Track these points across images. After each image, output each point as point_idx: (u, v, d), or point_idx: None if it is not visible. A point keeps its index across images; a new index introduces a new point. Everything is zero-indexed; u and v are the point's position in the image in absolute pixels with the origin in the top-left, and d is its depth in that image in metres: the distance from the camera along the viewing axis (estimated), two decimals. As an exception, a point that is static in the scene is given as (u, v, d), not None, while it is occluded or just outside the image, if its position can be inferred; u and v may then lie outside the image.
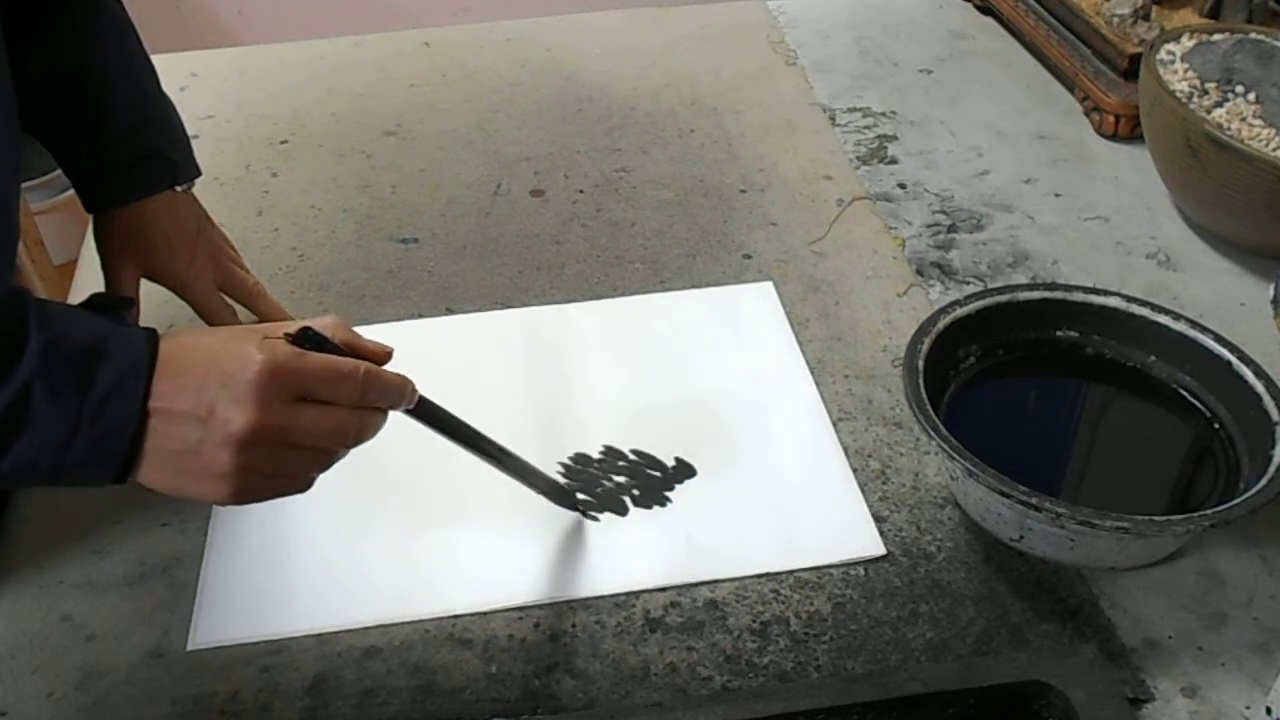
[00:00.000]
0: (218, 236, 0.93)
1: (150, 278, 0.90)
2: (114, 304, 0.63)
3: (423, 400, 0.68)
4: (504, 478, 0.85)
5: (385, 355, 0.66)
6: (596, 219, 1.10)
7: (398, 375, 0.66)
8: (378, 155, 1.18)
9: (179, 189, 0.88)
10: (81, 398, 0.57)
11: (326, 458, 0.64)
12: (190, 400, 0.59)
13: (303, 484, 0.64)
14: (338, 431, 0.63)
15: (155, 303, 0.92)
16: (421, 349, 0.95)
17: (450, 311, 0.99)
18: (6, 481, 0.59)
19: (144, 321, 0.90)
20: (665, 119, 1.23)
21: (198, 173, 0.89)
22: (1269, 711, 0.67)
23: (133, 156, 0.85)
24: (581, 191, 1.13)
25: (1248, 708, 0.71)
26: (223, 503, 0.62)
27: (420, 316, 0.99)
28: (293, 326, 0.62)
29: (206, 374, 0.59)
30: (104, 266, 0.89)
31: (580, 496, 0.83)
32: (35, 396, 0.56)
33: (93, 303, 0.63)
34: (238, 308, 0.93)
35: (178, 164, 0.88)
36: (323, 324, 0.64)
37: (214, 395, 0.59)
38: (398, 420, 0.89)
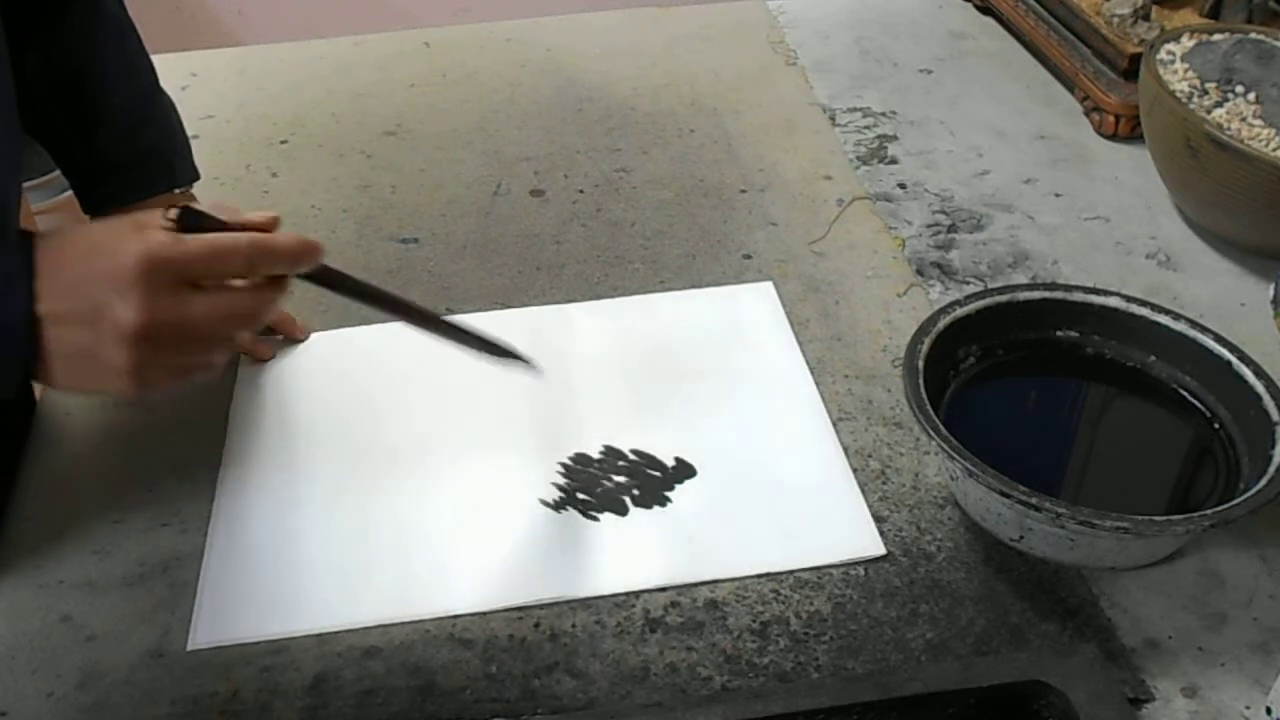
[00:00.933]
0: None
1: None
2: None
3: (325, 266, 0.65)
4: (504, 478, 0.85)
5: (271, 223, 0.64)
6: (596, 219, 1.10)
7: (291, 237, 0.63)
8: (378, 155, 1.18)
9: (177, 191, 0.88)
10: None
11: (228, 341, 0.62)
12: (74, 300, 0.58)
13: (209, 369, 0.62)
14: (233, 315, 0.61)
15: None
16: (421, 349, 0.95)
17: (450, 311, 0.99)
18: None
19: None
20: (665, 119, 1.23)
21: (196, 176, 0.89)
22: (1269, 711, 0.67)
23: (131, 158, 0.85)
24: (581, 191, 1.13)
25: (1248, 708, 0.71)
26: (132, 397, 0.60)
27: (420, 316, 0.99)
28: (171, 211, 0.60)
29: (87, 271, 0.58)
30: None
31: (580, 496, 0.83)
32: None
33: None
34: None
35: (175, 166, 0.88)
36: (203, 206, 0.61)
37: (96, 294, 0.57)
38: (397, 421, 0.90)
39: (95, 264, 0.58)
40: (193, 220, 0.60)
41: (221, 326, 0.61)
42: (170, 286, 0.58)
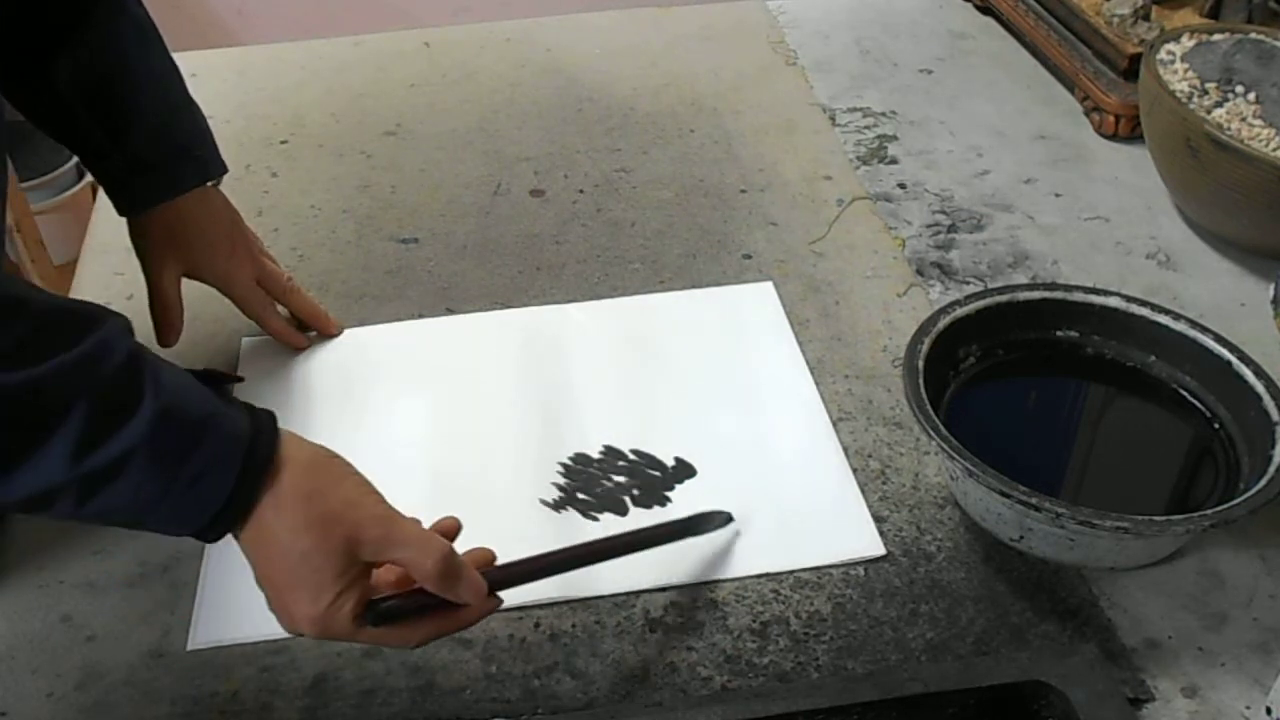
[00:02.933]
0: (249, 231, 0.93)
1: (191, 275, 0.90)
2: (218, 378, 0.64)
3: (503, 575, 0.68)
4: (504, 478, 0.85)
5: (473, 604, 0.66)
6: (596, 219, 1.10)
7: (463, 619, 0.67)
8: (378, 155, 1.18)
9: (210, 184, 0.89)
10: (179, 467, 0.59)
11: None
12: (261, 578, 0.64)
13: None
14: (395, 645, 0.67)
15: (195, 302, 0.92)
16: (421, 349, 0.96)
17: (450, 311, 0.99)
18: (85, 521, 0.61)
19: (186, 319, 0.91)
20: (665, 119, 1.23)
21: (225, 169, 0.90)
22: (1269, 711, 0.67)
23: (164, 155, 0.86)
24: (581, 191, 1.13)
25: (1248, 708, 0.71)
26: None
27: (420, 316, 0.99)
28: (389, 554, 0.63)
29: (276, 586, 0.63)
30: (144, 269, 0.89)
31: (580, 496, 0.83)
32: (135, 461, 0.58)
33: (198, 374, 0.65)
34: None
35: (207, 159, 0.89)
36: (422, 572, 0.63)
37: (273, 600, 0.64)
38: (398, 421, 0.90)
39: (283, 595, 0.63)
40: (384, 617, 0.64)
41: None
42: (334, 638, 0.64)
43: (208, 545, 0.79)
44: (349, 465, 0.66)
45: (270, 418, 0.64)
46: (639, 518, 0.82)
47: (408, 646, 0.67)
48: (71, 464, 0.56)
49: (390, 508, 0.65)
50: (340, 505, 0.63)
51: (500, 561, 0.79)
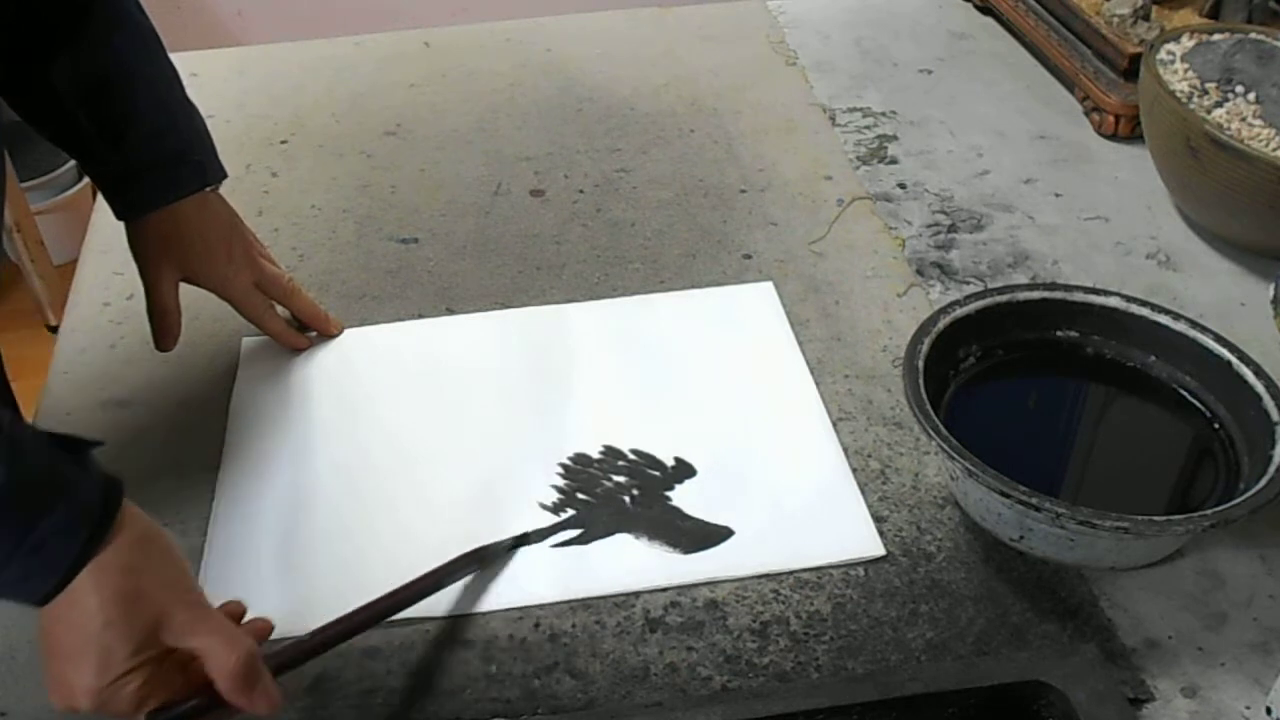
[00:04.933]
0: (248, 234, 0.93)
1: (190, 280, 0.90)
2: (81, 444, 0.64)
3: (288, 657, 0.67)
4: (504, 478, 0.85)
5: (264, 715, 0.64)
6: (596, 219, 1.10)
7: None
8: (378, 155, 1.18)
9: (209, 189, 0.88)
10: (22, 538, 0.58)
11: None
12: (46, 647, 0.62)
13: None
14: None
15: (195, 301, 0.92)
16: (421, 349, 0.96)
17: (450, 311, 0.99)
18: None
19: (186, 318, 0.91)
20: (665, 119, 1.23)
21: (224, 174, 0.90)
22: (1269, 711, 0.67)
23: (161, 160, 0.85)
24: (581, 191, 1.13)
25: (1248, 708, 0.71)
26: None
27: (420, 316, 0.99)
28: (188, 639, 0.62)
29: (60, 656, 0.61)
30: (142, 274, 0.89)
31: (581, 497, 0.83)
32: None
33: (61, 440, 0.63)
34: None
35: (206, 164, 0.88)
36: (217, 667, 0.62)
37: (52, 671, 0.62)
38: (397, 422, 0.90)
39: (64, 666, 0.61)
40: None
41: None
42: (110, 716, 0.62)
43: (208, 543, 0.80)
44: (176, 547, 0.65)
45: (119, 490, 0.62)
46: (639, 518, 0.82)
47: None
48: None
49: (205, 600, 0.64)
50: (156, 585, 0.62)
51: (496, 568, 0.79)
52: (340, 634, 0.69)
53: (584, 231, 1.08)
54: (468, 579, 0.77)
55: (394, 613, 0.72)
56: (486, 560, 0.78)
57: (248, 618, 0.70)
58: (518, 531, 0.81)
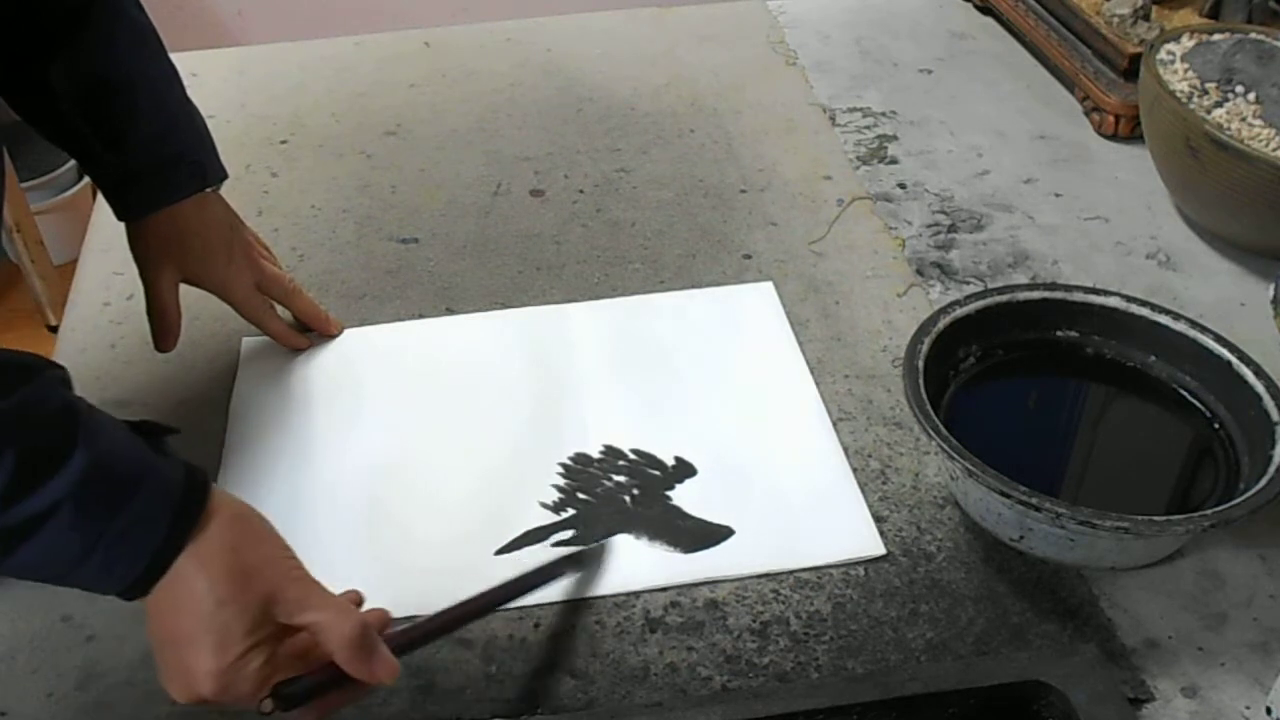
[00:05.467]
0: (249, 235, 0.93)
1: (189, 281, 0.90)
2: (157, 430, 0.63)
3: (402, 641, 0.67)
4: (504, 478, 0.85)
5: (387, 683, 0.64)
6: (596, 219, 1.10)
7: (357, 696, 0.65)
8: (378, 155, 1.18)
9: (209, 191, 0.88)
10: (107, 521, 0.58)
11: None
12: (159, 636, 0.61)
13: None
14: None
15: (195, 301, 0.92)
16: (421, 349, 0.96)
17: (450, 311, 0.99)
18: (8, 575, 0.60)
19: (186, 318, 0.91)
20: (665, 119, 1.23)
21: (225, 174, 0.90)
22: (1269, 711, 0.67)
23: (161, 162, 0.85)
24: (581, 191, 1.13)
25: (1248, 708, 0.71)
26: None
27: (420, 316, 0.99)
28: (301, 616, 0.62)
29: (178, 642, 0.60)
30: (141, 274, 0.89)
31: (581, 496, 0.83)
32: (61, 514, 0.57)
33: (137, 426, 0.63)
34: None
35: (206, 166, 0.88)
36: (334, 639, 0.61)
37: (169, 660, 0.61)
38: (397, 422, 0.90)
39: (185, 651, 0.60)
40: (290, 705, 0.62)
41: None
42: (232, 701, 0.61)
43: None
44: (272, 526, 0.65)
45: (203, 474, 0.63)
46: (639, 518, 0.82)
47: None
48: None
49: (309, 574, 0.64)
50: (262, 561, 0.62)
51: (498, 566, 0.79)
52: (454, 620, 0.70)
53: (584, 231, 1.08)
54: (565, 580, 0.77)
55: (501, 604, 0.72)
56: (584, 564, 0.78)
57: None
58: (520, 530, 0.81)
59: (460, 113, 1.24)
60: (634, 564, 0.79)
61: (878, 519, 0.82)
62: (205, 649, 0.59)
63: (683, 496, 0.83)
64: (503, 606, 0.73)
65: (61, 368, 0.60)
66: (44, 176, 2.12)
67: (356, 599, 0.68)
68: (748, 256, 1.05)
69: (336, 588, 0.77)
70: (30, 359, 0.59)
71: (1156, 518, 0.72)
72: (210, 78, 1.27)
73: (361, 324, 0.98)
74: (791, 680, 0.72)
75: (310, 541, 0.80)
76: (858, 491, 0.84)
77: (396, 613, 0.75)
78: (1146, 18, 1.20)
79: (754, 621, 0.76)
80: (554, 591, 0.77)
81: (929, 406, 0.77)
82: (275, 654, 0.61)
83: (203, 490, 0.62)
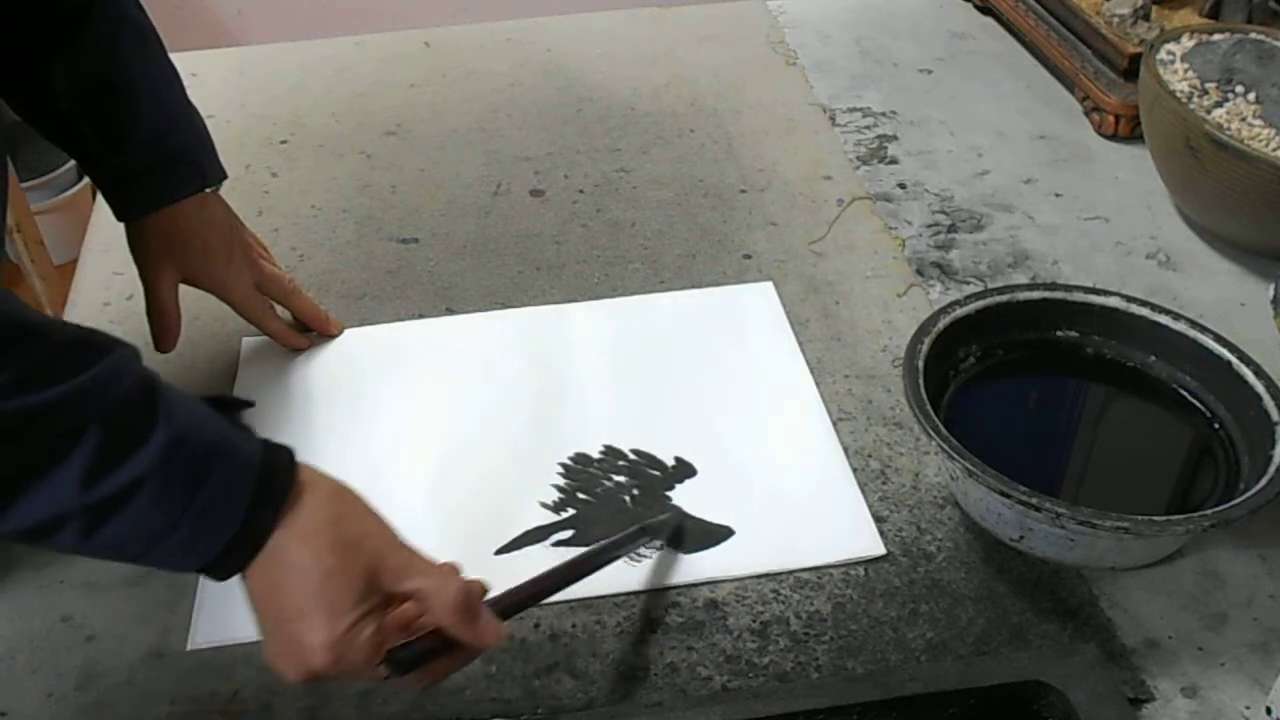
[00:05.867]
0: (249, 235, 0.93)
1: (188, 282, 0.90)
2: (230, 404, 0.63)
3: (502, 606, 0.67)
4: (504, 478, 0.85)
5: (492, 645, 0.65)
6: (596, 219, 1.10)
7: (466, 660, 0.66)
8: (378, 155, 1.18)
9: (208, 190, 0.88)
10: (190, 497, 0.58)
11: None
12: (268, 615, 0.61)
13: None
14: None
15: (195, 301, 0.92)
16: (421, 349, 0.96)
17: (450, 311, 0.99)
18: (89, 554, 0.59)
19: (186, 318, 0.91)
20: (665, 119, 1.23)
21: (224, 175, 0.90)
22: (1269, 711, 0.67)
23: (160, 162, 0.85)
24: (581, 191, 1.13)
25: (1248, 708, 0.71)
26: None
27: (420, 316, 0.99)
28: (407, 583, 0.62)
29: (288, 617, 0.60)
30: (141, 274, 0.89)
31: (581, 496, 0.83)
32: (145, 489, 0.57)
33: (212, 401, 0.63)
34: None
35: (205, 166, 0.88)
36: (438, 604, 0.62)
37: (281, 637, 0.61)
38: (397, 421, 0.90)
39: (296, 624, 0.60)
40: (404, 666, 0.63)
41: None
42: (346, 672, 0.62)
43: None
44: (367, 499, 0.65)
45: (287, 450, 0.63)
46: (639, 518, 0.82)
47: (414, 689, 0.66)
48: (81, 490, 0.55)
49: (409, 544, 0.64)
50: (363, 532, 0.63)
51: (498, 566, 0.79)
52: (545, 589, 0.70)
53: (584, 231, 1.08)
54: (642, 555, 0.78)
55: (586, 574, 0.73)
56: (659, 533, 0.79)
57: (247, 614, 0.70)
58: (520, 530, 0.81)
59: (460, 113, 1.24)
60: (634, 564, 0.79)
61: (878, 519, 0.82)
62: (317, 622, 0.60)
63: (683, 496, 0.83)
64: (587, 576, 0.74)
65: (134, 346, 0.60)
66: (44, 176, 2.12)
67: (456, 569, 0.68)
68: (748, 256, 1.05)
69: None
70: (105, 336, 0.59)
71: (1156, 518, 0.72)
72: (210, 78, 1.27)
73: (361, 324, 0.98)
74: (791, 680, 0.72)
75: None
76: (858, 491, 0.84)
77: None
78: (1146, 18, 1.20)
79: (754, 621, 0.76)
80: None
81: (929, 406, 0.77)
82: (383, 623, 0.62)
83: (287, 465, 0.62)
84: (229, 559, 0.60)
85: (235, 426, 0.62)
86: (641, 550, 0.80)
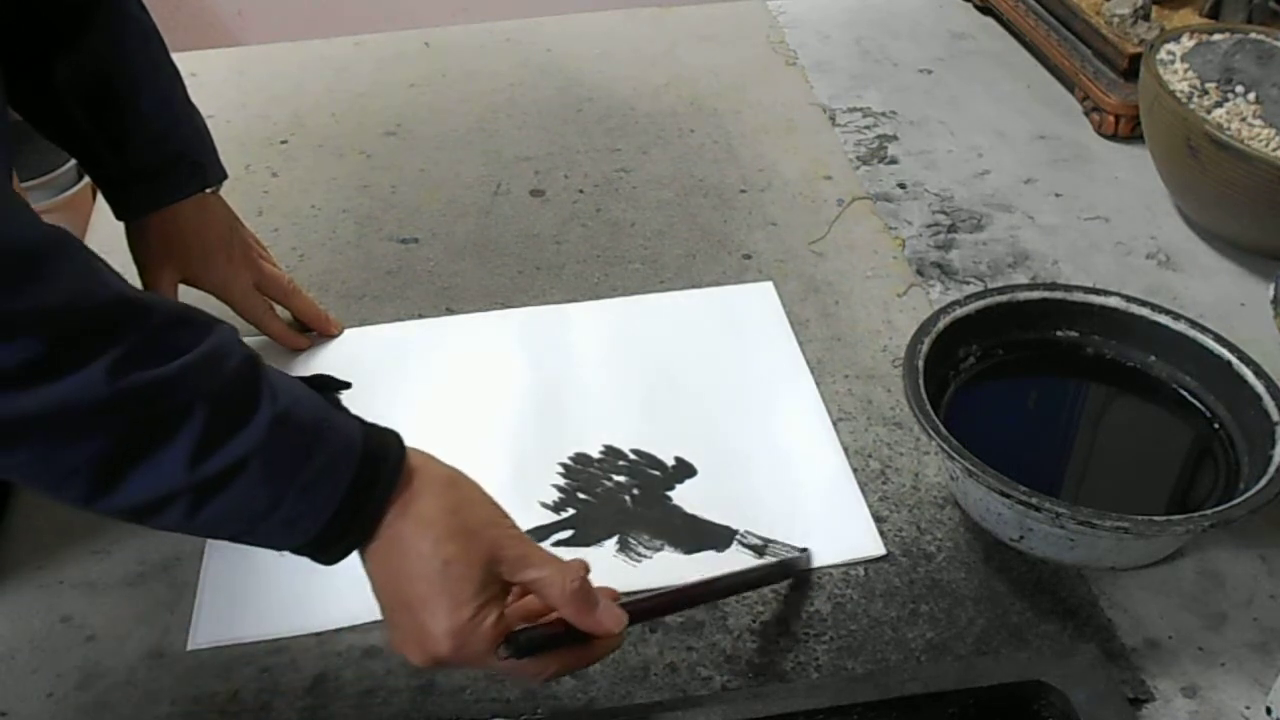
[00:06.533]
0: (248, 235, 0.93)
1: (188, 282, 0.90)
2: (330, 385, 0.64)
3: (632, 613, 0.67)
4: (504, 478, 0.85)
5: (614, 632, 0.64)
6: (596, 219, 1.10)
7: (591, 654, 0.65)
8: (378, 155, 1.18)
9: (209, 191, 0.88)
10: (293, 475, 0.58)
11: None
12: (390, 599, 0.62)
13: None
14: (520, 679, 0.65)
15: (195, 302, 0.91)
16: (421, 349, 0.96)
17: (450, 311, 0.99)
18: (192, 532, 0.59)
19: None
20: (665, 119, 1.23)
21: (224, 175, 0.90)
22: (1269, 711, 0.67)
23: (162, 161, 0.85)
24: (581, 191, 1.13)
25: (1248, 708, 0.71)
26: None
27: (420, 316, 0.99)
28: (525, 573, 0.63)
29: (410, 604, 0.61)
30: (141, 274, 0.89)
31: (581, 496, 0.83)
32: (250, 466, 0.57)
33: (310, 381, 0.63)
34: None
35: (206, 166, 0.88)
36: (556, 593, 0.62)
37: (404, 622, 0.61)
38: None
39: (419, 612, 0.61)
40: (527, 648, 0.62)
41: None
42: (461, 665, 0.63)
43: (208, 543, 0.80)
44: (481, 487, 0.65)
45: (394, 432, 0.63)
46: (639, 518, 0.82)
47: (535, 681, 0.66)
48: (189, 468, 0.55)
49: (525, 535, 0.65)
50: (480, 522, 0.63)
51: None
52: (677, 602, 0.71)
53: (584, 231, 1.08)
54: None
55: (723, 596, 0.75)
56: (791, 572, 0.78)
57: (247, 614, 0.70)
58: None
59: (460, 113, 1.24)
60: (634, 564, 0.79)
61: (878, 519, 0.82)
62: (439, 610, 0.60)
63: (683, 496, 0.83)
64: (723, 599, 0.75)
65: (230, 324, 0.60)
66: (44, 176, 2.12)
67: (583, 564, 0.68)
68: (748, 256, 1.05)
69: (338, 585, 0.77)
70: (202, 313, 0.59)
71: (1156, 518, 0.72)
72: (210, 78, 1.27)
73: (361, 324, 0.98)
74: (791, 680, 0.72)
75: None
76: (858, 491, 0.84)
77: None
78: (1146, 18, 1.20)
79: (754, 621, 0.76)
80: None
81: (929, 406, 0.77)
82: (504, 612, 0.62)
83: (397, 448, 0.62)
84: (333, 539, 0.60)
85: (336, 408, 0.62)
86: (642, 550, 0.80)
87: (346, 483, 0.59)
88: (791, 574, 0.78)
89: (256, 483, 0.57)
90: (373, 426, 0.62)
